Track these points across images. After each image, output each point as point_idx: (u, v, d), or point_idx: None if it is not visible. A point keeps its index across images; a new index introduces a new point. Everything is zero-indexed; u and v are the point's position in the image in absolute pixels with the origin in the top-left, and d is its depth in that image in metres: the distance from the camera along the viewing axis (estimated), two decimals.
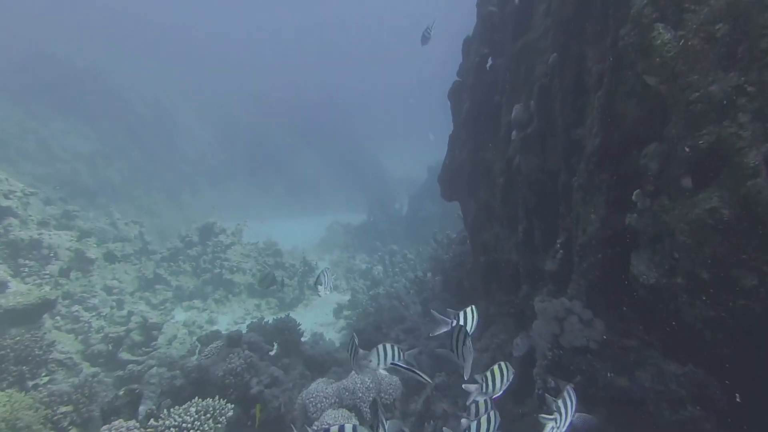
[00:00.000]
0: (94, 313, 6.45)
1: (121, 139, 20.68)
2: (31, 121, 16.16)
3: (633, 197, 3.25)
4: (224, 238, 11.87)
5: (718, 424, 3.14)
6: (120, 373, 5.61)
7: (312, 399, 3.80)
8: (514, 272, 5.66)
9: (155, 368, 5.69)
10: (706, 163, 2.76)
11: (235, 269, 11.44)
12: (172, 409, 3.37)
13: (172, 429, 3.13)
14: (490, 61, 5.83)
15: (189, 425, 3.17)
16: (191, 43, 39.17)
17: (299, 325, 7.84)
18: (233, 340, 5.39)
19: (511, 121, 4.90)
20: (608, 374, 3.24)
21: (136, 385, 4.22)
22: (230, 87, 35.67)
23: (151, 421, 3.25)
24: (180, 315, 10.10)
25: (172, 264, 10.77)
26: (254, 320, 7.70)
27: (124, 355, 5.95)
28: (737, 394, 3.02)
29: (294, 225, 23.73)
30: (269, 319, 7.79)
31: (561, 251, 4.47)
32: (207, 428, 3.20)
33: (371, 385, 3.86)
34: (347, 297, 13.56)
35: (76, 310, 6.19)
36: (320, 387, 3.94)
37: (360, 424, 3.67)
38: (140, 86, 26.36)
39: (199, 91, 32.59)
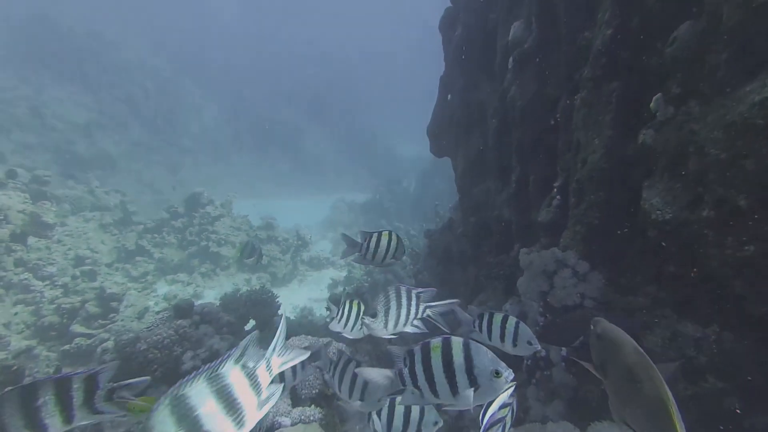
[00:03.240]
0: (47, 283, 5.93)
1: (119, 110, 20.08)
2: (23, 87, 15.64)
3: (651, 105, 2.42)
4: (212, 209, 11.30)
5: (745, 401, 2.37)
6: (67, 347, 5.08)
7: None
8: (505, 230, 4.89)
9: (110, 342, 5.14)
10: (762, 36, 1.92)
11: (223, 242, 10.90)
12: None
13: None
14: None
15: None
16: (196, 16, 38.19)
17: (277, 297, 7.26)
18: (182, 310, 4.75)
19: (508, 43, 4.03)
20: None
21: (14, 363, 3.61)
22: (236, 62, 34.88)
23: None
24: (163, 288, 9.65)
25: (156, 236, 10.28)
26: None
27: (77, 328, 5.42)
28: None
29: (298, 203, 23.21)
30: (243, 291, 7.20)
31: (558, 197, 3.67)
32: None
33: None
34: (344, 273, 13.02)
35: (26, 278, 5.67)
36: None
37: (292, 402, 3.02)
38: (142, 56, 25.69)
39: (203, 64, 31.87)
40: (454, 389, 1.33)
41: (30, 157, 12.25)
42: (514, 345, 2.17)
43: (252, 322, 6.77)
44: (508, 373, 1.32)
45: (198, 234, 10.83)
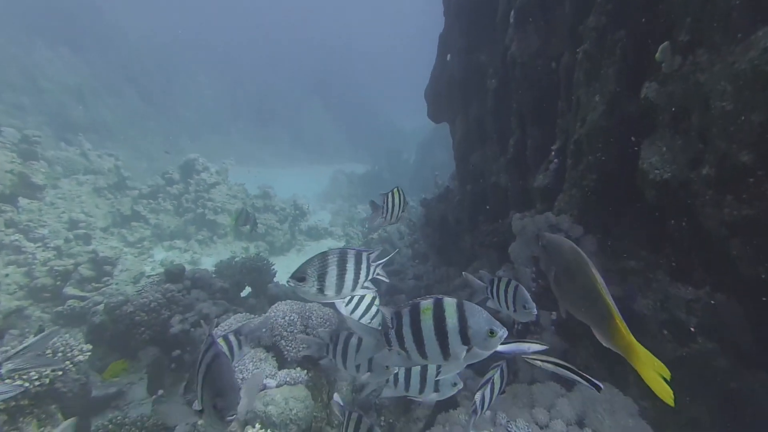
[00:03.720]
0: (39, 245, 5.87)
1: (114, 75, 19.48)
2: (13, 47, 15.05)
3: (657, 55, 2.27)
4: (207, 176, 11.16)
5: (734, 362, 2.36)
6: (60, 308, 5.09)
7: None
8: (502, 198, 4.80)
9: (102, 305, 5.13)
10: None
11: (219, 210, 10.82)
12: None
13: None
14: None
15: None
16: None
17: (272, 265, 7.27)
18: (173, 275, 4.72)
19: None
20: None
21: None
22: (234, 32, 33.78)
23: None
24: (160, 255, 9.66)
25: (151, 201, 10.19)
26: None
27: (70, 291, 5.41)
28: None
29: (296, 175, 22.99)
30: (238, 258, 7.19)
31: (555, 160, 3.55)
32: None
33: (295, 320, 3.13)
34: (342, 243, 13.04)
35: (17, 240, 5.61)
36: (233, 324, 3.24)
37: (278, 364, 3.00)
38: (138, 21, 24.77)
39: (201, 33, 30.86)
40: (445, 351, 1.30)
41: (22, 119, 11.97)
42: (514, 310, 2.10)
43: (248, 289, 6.80)
44: (502, 332, 1.29)
45: (194, 201, 10.74)
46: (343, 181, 22.34)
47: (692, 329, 2.36)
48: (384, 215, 2.63)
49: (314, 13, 41.08)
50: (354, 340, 2.06)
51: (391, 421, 3.36)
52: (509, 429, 2.39)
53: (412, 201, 15.45)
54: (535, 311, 2.08)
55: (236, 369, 2.72)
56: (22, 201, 6.30)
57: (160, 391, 3.65)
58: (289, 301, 3.31)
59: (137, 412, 3.48)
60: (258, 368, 2.87)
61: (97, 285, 5.73)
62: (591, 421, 2.40)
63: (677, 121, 2.24)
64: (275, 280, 7.22)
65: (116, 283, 6.20)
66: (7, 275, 5.15)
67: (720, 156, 2.06)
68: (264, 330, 2.60)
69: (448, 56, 5.31)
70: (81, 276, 5.68)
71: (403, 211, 2.69)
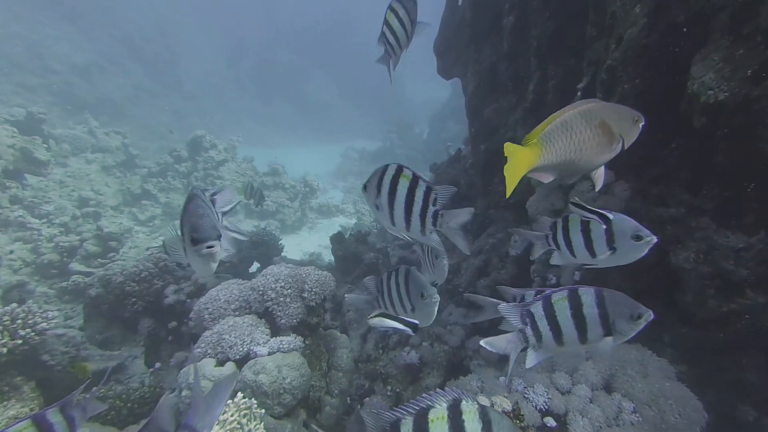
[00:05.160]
0: (45, 221, 5.79)
1: (119, 52, 19.17)
2: (16, 23, 14.85)
3: None
4: (215, 153, 10.97)
5: None
6: (64, 284, 5.01)
7: (209, 305, 2.85)
8: None
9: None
10: None
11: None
12: None
13: None
14: None
15: None
16: None
17: (279, 240, 7.08)
18: None
19: None
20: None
21: None
22: (239, 3, 32.93)
23: None
24: (173, 233, 9.61)
25: (161, 180, 10.09)
26: None
27: (77, 266, 5.33)
28: None
29: (306, 153, 22.64)
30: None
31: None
32: None
33: (288, 282, 2.85)
34: (354, 221, 12.81)
35: (21, 216, 5.52)
36: (223, 289, 2.98)
37: (271, 332, 2.75)
38: None
39: (204, 5, 30.19)
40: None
41: (30, 99, 11.90)
42: (611, 249, 1.53)
43: (257, 265, 6.64)
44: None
45: (203, 179, 10.61)
46: (354, 158, 21.98)
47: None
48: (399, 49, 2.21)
49: None
50: (394, 280, 1.89)
51: (398, 390, 3.13)
52: (526, 396, 2.09)
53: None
54: (655, 237, 1.49)
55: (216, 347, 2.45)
56: (31, 179, 6.21)
57: (158, 364, 3.50)
58: (282, 264, 3.05)
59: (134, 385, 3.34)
60: (250, 335, 2.64)
61: (103, 261, 5.64)
62: (620, 385, 2.07)
63: (740, 21, 1.79)
64: (283, 254, 7.04)
65: (123, 260, 6.12)
66: (11, 252, 5.08)
67: None
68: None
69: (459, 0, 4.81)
70: (87, 252, 5.59)
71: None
